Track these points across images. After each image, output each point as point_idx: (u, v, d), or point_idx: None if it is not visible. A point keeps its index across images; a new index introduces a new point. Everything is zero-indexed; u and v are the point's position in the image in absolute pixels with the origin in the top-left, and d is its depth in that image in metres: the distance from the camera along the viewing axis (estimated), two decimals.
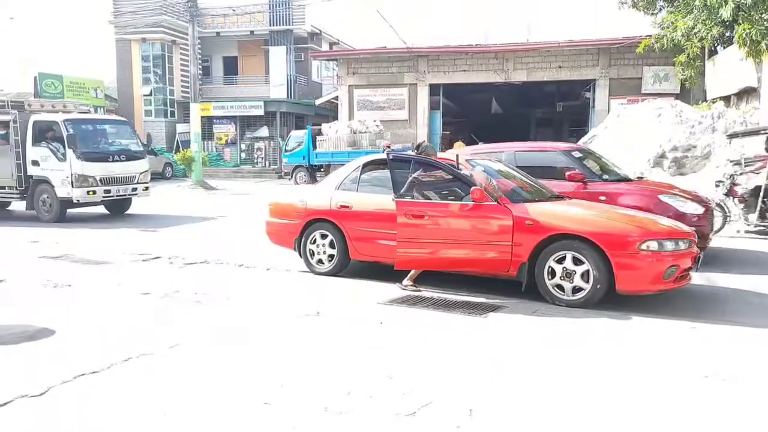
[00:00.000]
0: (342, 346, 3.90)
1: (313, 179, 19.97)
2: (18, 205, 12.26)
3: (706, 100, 17.02)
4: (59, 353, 3.82)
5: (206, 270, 6.56)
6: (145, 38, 28.14)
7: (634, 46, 18.35)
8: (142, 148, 12.43)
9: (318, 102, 28.79)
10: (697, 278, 5.45)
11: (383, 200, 5.71)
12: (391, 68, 23.03)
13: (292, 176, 21.91)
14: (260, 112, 28.16)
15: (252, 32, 29.29)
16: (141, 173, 11.76)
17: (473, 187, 5.15)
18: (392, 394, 3.10)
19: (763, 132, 9.33)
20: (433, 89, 22.88)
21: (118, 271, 6.48)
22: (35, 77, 23.02)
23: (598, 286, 4.65)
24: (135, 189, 11.67)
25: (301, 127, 25.26)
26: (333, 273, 6.07)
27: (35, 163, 11.00)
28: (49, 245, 8.20)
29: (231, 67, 31.29)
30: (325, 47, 30.93)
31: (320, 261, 6.18)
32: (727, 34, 14.64)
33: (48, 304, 5.09)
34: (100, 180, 11.00)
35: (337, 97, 24.61)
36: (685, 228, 5.13)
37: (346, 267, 6.11)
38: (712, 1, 11.76)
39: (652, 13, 18.64)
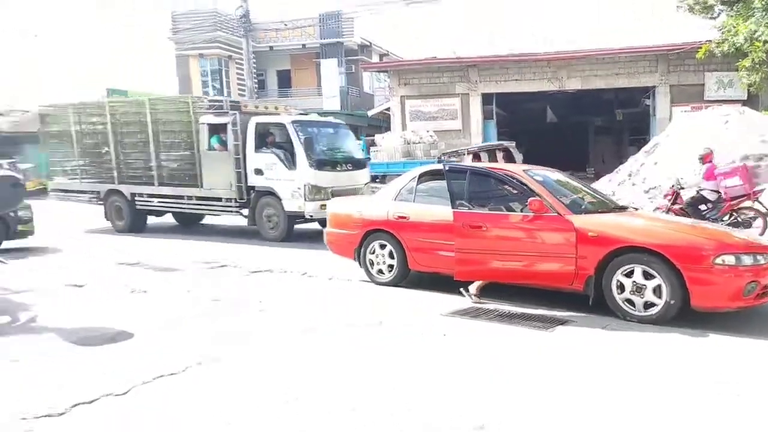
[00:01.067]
0: (405, 358, 3.91)
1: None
2: (213, 220, 11.47)
3: None
4: (138, 355, 4.03)
5: (270, 278, 6.72)
6: (203, 53, 29.25)
7: (694, 51, 17.68)
8: (364, 156, 10.82)
9: (371, 113, 29.07)
10: None
11: (440, 211, 5.68)
12: (441, 78, 23.00)
13: None
14: None
15: (304, 45, 29.97)
16: (365, 184, 10.21)
17: (531, 198, 5.10)
18: (451, 412, 3.09)
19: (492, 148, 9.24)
20: (486, 99, 22.68)
21: (187, 278, 6.76)
22: (107, 91, 24.29)
23: (672, 302, 4.47)
24: None
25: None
26: (394, 283, 6.10)
27: (258, 171, 9.46)
28: (126, 252, 8.63)
29: (284, 80, 32.07)
30: (375, 59, 31.27)
31: (380, 271, 6.22)
32: None
33: (125, 308, 5.37)
34: (331, 192, 9.26)
35: (389, 108, 24.78)
36: (763, 242, 4.89)
37: (406, 277, 6.13)
38: None
39: (711, 17, 17.93)
